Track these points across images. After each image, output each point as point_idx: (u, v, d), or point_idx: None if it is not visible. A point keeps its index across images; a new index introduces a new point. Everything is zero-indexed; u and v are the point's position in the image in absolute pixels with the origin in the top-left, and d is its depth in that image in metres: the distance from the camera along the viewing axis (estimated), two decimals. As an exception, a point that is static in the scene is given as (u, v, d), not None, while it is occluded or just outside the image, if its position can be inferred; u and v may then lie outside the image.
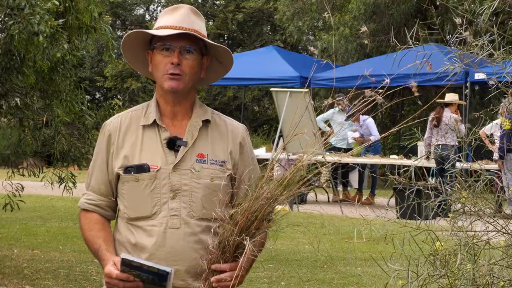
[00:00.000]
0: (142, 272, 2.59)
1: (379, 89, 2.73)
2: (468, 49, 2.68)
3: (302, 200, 14.20)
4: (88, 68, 28.20)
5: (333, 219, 11.84)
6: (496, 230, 2.67)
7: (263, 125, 25.82)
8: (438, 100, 12.90)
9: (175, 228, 2.72)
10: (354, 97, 2.73)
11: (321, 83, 17.51)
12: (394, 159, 13.84)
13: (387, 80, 2.64)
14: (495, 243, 2.75)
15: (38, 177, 7.65)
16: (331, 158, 2.82)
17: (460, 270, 2.59)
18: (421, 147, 13.89)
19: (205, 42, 2.79)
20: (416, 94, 2.71)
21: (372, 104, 2.69)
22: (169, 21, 2.78)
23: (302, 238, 9.58)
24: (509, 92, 2.80)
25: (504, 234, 2.73)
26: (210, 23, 27.92)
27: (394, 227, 2.78)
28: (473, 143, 2.84)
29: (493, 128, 12.10)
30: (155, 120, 2.80)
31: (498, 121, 11.31)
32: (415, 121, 2.84)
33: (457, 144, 11.49)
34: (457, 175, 2.78)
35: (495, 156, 12.63)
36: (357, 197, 14.35)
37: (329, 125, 15.28)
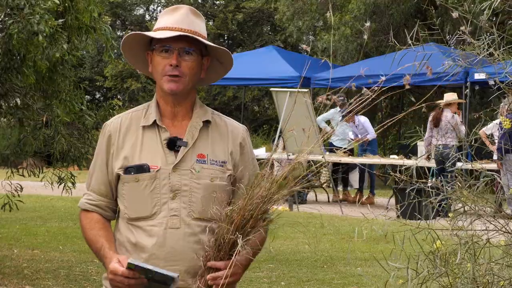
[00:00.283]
0: (147, 277, 2.59)
1: (376, 86, 2.73)
2: (468, 49, 2.68)
3: (302, 200, 14.21)
4: (88, 68, 28.19)
5: (333, 219, 11.84)
6: (497, 229, 2.67)
7: (263, 125, 25.82)
8: (438, 102, 12.91)
9: (175, 228, 2.72)
10: (351, 96, 2.73)
11: (321, 83, 17.52)
12: (394, 159, 13.84)
13: (383, 79, 2.64)
14: (495, 242, 2.75)
15: (38, 177, 7.65)
16: (331, 158, 2.82)
17: (460, 269, 2.59)
18: (421, 147, 13.89)
19: (204, 43, 2.79)
20: (408, 87, 2.70)
21: (371, 104, 2.68)
22: (168, 21, 2.78)
23: (302, 238, 9.59)
24: (510, 92, 2.80)
25: (504, 234, 2.73)
26: (210, 23, 27.91)
27: (394, 227, 2.78)
28: (473, 144, 2.84)
29: (493, 128, 12.11)
30: (155, 120, 2.80)
31: (498, 121, 11.32)
32: (416, 120, 2.84)
33: (457, 143, 11.49)
34: (457, 174, 2.78)
35: (495, 156, 12.63)
36: (357, 197, 14.34)
37: (330, 125, 15.28)
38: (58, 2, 6.33)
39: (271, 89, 15.25)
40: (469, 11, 2.75)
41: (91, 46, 7.90)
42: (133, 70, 25.04)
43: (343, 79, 17.60)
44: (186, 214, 2.73)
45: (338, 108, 14.76)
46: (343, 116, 14.49)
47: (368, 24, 2.94)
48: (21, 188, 7.59)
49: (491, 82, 2.90)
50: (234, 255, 2.62)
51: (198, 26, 2.80)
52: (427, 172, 12.26)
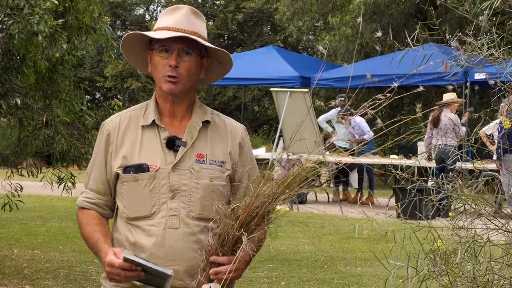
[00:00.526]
0: (143, 269, 2.60)
1: (386, 92, 2.72)
2: (469, 49, 2.69)
3: (302, 200, 14.21)
4: (88, 68, 28.19)
5: (333, 219, 11.85)
6: (497, 228, 2.67)
7: (263, 125, 25.82)
8: (437, 103, 12.92)
9: (174, 228, 2.72)
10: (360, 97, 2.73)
11: (321, 83, 17.52)
12: (394, 159, 13.84)
13: (395, 85, 2.63)
14: (496, 241, 2.75)
15: (37, 177, 7.65)
16: (333, 158, 2.82)
17: (460, 269, 2.59)
18: (421, 147, 13.90)
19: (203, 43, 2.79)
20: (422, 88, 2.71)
21: (377, 108, 2.68)
22: (168, 22, 2.78)
23: (302, 238, 9.59)
24: (510, 92, 2.80)
25: (505, 233, 2.73)
26: (210, 23, 27.91)
27: (394, 226, 2.78)
28: (474, 144, 2.84)
29: (493, 128, 12.11)
30: (154, 120, 2.80)
31: (498, 120, 11.31)
32: (414, 119, 2.84)
33: (456, 143, 11.48)
34: (457, 173, 2.78)
35: (495, 156, 12.63)
36: (358, 197, 14.35)
37: (332, 126, 15.30)
38: (57, 2, 6.33)
39: (271, 89, 15.25)
40: (469, 11, 2.75)
41: (91, 46, 7.90)
42: (133, 70, 25.04)
43: (343, 79, 17.67)
44: (185, 214, 2.73)
45: (339, 109, 14.78)
46: (341, 117, 14.53)
47: (359, 19, 2.93)
48: (21, 188, 7.59)
49: (491, 82, 2.90)
50: (239, 251, 2.62)
51: (198, 27, 2.80)
52: (428, 170, 12.24)
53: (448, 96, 12.91)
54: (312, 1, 21.10)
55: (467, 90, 15.30)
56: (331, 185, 14.96)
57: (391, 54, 14.51)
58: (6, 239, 9.50)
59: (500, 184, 3.03)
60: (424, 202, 2.78)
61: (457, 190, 2.69)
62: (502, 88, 2.79)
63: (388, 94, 2.72)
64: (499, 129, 11.01)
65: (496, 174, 2.96)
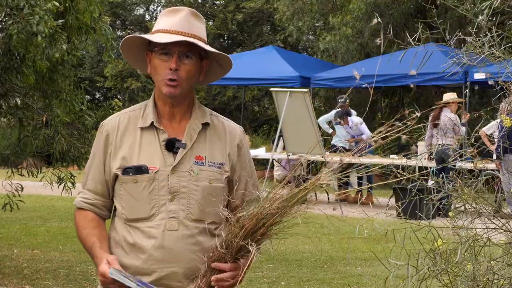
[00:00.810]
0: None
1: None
2: (470, 48, 2.68)
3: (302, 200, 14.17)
4: (88, 68, 28.18)
5: (333, 219, 11.84)
6: (497, 227, 2.67)
7: (263, 125, 25.80)
8: (437, 103, 12.92)
9: (173, 230, 2.72)
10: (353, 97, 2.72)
11: (321, 83, 17.52)
12: (394, 159, 13.83)
13: (413, 85, 2.63)
14: (496, 241, 2.75)
15: (37, 177, 7.65)
16: (331, 158, 2.81)
17: (460, 268, 2.59)
18: (421, 147, 13.89)
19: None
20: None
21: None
22: (168, 24, 2.77)
23: (302, 238, 9.58)
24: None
25: (505, 232, 2.73)
26: (210, 23, 27.89)
27: (394, 225, 2.78)
28: (474, 143, 2.84)
29: (493, 128, 12.10)
30: (152, 122, 2.80)
31: (498, 120, 11.31)
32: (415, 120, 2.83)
33: (456, 143, 11.48)
34: (457, 173, 2.78)
35: (495, 156, 12.62)
36: (358, 197, 14.34)
37: (332, 126, 15.30)
38: (58, 4, 6.33)
39: (271, 89, 15.25)
40: (469, 10, 2.75)
41: (91, 46, 7.90)
42: (133, 70, 25.03)
43: (343, 79, 17.62)
44: (184, 216, 2.73)
45: (339, 109, 14.79)
46: (340, 117, 14.54)
47: (376, 20, 2.90)
48: (22, 188, 7.59)
49: (491, 82, 2.90)
50: (247, 262, 2.61)
51: (198, 29, 2.79)
52: (428, 169, 12.23)
53: (448, 96, 12.91)
54: (312, 1, 21.10)
55: (467, 90, 15.30)
56: (332, 185, 14.93)
57: (390, 54, 14.50)
58: (6, 239, 9.50)
59: (500, 184, 3.03)
60: (424, 201, 2.78)
61: (457, 190, 2.69)
62: (504, 87, 2.79)
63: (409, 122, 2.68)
64: (500, 128, 11.01)
65: (497, 173, 2.96)
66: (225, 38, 29.10)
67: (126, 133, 2.81)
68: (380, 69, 15.17)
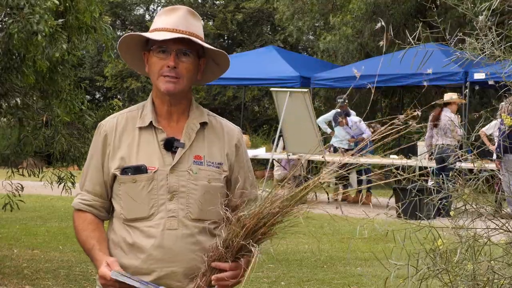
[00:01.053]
0: None
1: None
2: (471, 47, 2.68)
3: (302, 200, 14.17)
4: (88, 68, 28.20)
5: (334, 219, 11.83)
6: (497, 227, 2.67)
7: (263, 125, 25.81)
8: (437, 102, 12.91)
9: (172, 230, 2.71)
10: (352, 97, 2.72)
11: (321, 83, 17.52)
12: (394, 159, 13.83)
13: (426, 84, 2.64)
14: (496, 241, 2.75)
15: (38, 177, 7.65)
16: (333, 158, 2.81)
17: (460, 268, 2.59)
18: (421, 147, 13.90)
19: (202, 44, 2.79)
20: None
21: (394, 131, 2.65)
22: (166, 23, 2.77)
23: (302, 238, 9.58)
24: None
25: (505, 232, 2.73)
26: (210, 23, 27.91)
27: (394, 226, 2.78)
28: (474, 142, 2.84)
29: (493, 128, 12.11)
30: (151, 121, 2.80)
31: (498, 120, 11.29)
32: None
33: (456, 143, 11.49)
34: (458, 172, 2.78)
35: (495, 156, 12.62)
36: (359, 198, 14.35)
37: (331, 126, 15.30)
38: (57, 2, 6.33)
39: (271, 89, 15.25)
40: (470, 9, 2.75)
41: (91, 46, 7.90)
42: (133, 70, 25.02)
43: (343, 79, 17.62)
44: (184, 215, 2.73)
45: (338, 110, 14.79)
46: (335, 120, 14.54)
47: (380, 24, 2.90)
48: (22, 188, 7.59)
49: (491, 82, 2.90)
50: (252, 263, 2.61)
51: (195, 28, 2.79)
52: (428, 170, 12.23)
53: (449, 96, 12.91)
54: (313, 1, 21.10)
55: (467, 90, 15.31)
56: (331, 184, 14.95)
57: (391, 54, 14.52)
58: (6, 239, 9.50)
59: (500, 184, 3.03)
60: (424, 202, 2.78)
61: (458, 190, 2.68)
62: (507, 86, 2.78)
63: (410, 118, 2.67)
64: (500, 127, 11.00)
65: (496, 172, 2.95)
66: (225, 38, 29.11)
67: (124, 134, 2.80)
68: (380, 69, 15.16)
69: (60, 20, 6.53)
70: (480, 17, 2.73)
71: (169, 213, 2.72)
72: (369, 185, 4.05)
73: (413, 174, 2.72)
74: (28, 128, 7.43)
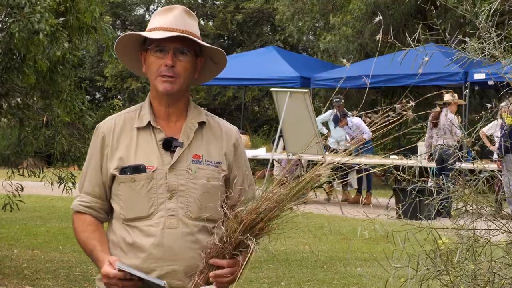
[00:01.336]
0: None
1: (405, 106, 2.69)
2: (471, 49, 2.68)
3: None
4: (88, 68, 28.20)
5: (333, 219, 11.85)
6: (498, 228, 2.67)
7: (263, 125, 25.81)
8: (437, 102, 12.92)
9: (172, 228, 2.72)
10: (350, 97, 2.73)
11: (321, 83, 17.53)
12: (394, 159, 13.83)
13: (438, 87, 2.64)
14: (497, 241, 2.75)
15: (38, 177, 7.65)
16: (333, 159, 2.81)
17: (461, 268, 2.59)
18: (421, 148, 13.90)
19: (198, 43, 2.79)
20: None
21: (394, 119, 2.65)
22: (162, 22, 2.78)
23: (302, 238, 9.58)
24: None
25: (505, 233, 2.73)
26: (210, 23, 27.90)
27: (395, 226, 2.78)
28: (474, 142, 2.84)
29: (493, 128, 12.11)
30: (149, 121, 2.80)
31: (499, 120, 11.29)
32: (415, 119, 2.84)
33: (456, 143, 11.48)
34: (458, 173, 2.78)
35: (495, 156, 12.62)
36: (360, 198, 14.35)
37: (327, 127, 15.30)
38: (57, 0, 6.33)
39: (271, 89, 15.26)
40: (469, 11, 2.75)
41: (91, 46, 7.91)
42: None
43: (343, 80, 17.54)
44: (183, 214, 2.73)
45: (334, 110, 14.81)
46: (335, 121, 14.53)
47: (378, 18, 2.89)
48: (22, 188, 7.59)
49: (491, 83, 2.91)
50: (248, 257, 2.62)
51: (192, 27, 2.80)
52: (428, 170, 12.23)
53: (449, 97, 12.91)
54: (313, 1, 21.11)
55: (467, 90, 15.31)
56: (335, 185, 14.95)
57: (391, 54, 14.51)
58: (6, 239, 9.50)
59: (501, 184, 3.03)
60: (425, 202, 2.78)
61: (458, 190, 2.69)
62: (508, 86, 2.78)
63: (404, 107, 2.68)
64: (501, 127, 11.00)
65: (496, 172, 2.96)
66: (225, 38, 29.10)
67: (122, 134, 2.81)
68: (381, 70, 15.18)
69: (61, 19, 6.54)
70: (480, 18, 2.73)
71: (169, 212, 2.72)
72: (364, 186, 4.03)
73: (412, 177, 2.72)
74: (28, 129, 7.43)
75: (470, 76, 14.75)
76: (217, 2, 29.13)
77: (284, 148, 15.11)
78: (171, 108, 2.81)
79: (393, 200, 12.81)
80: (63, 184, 7.57)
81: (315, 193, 15.07)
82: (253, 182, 2.93)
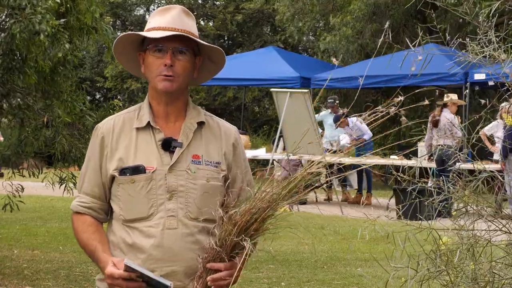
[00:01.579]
0: (143, 280, 2.60)
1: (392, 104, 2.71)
2: (473, 48, 2.69)
3: (302, 201, 14.20)
4: (88, 68, 28.21)
5: (333, 220, 11.85)
6: (498, 229, 2.67)
7: (263, 126, 25.81)
8: (437, 102, 12.92)
9: (172, 229, 2.72)
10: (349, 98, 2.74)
11: (321, 83, 17.53)
12: (394, 159, 13.82)
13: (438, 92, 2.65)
14: (497, 242, 2.75)
15: (38, 177, 7.66)
16: (334, 159, 2.82)
17: (461, 269, 2.60)
18: (421, 148, 13.91)
19: (197, 42, 2.80)
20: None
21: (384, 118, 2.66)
22: (160, 22, 2.78)
23: (302, 238, 9.59)
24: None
25: (506, 233, 2.73)
26: (210, 23, 27.91)
27: (395, 227, 2.78)
28: (474, 142, 2.85)
29: (493, 129, 12.11)
30: (148, 122, 2.80)
31: (498, 121, 11.30)
32: (415, 119, 2.85)
33: (456, 144, 11.49)
34: (458, 174, 2.78)
35: (495, 156, 12.63)
36: (360, 198, 14.35)
37: (322, 127, 15.31)
38: (58, 1, 6.34)
39: (271, 89, 15.26)
40: (469, 13, 2.76)
41: (92, 47, 7.91)
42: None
43: (343, 80, 17.62)
44: (183, 215, 2.73)
45: (328, 110, 14.83)
46: (335, 121, 14.53)
47: (387, 24, 2.89)
48: (22, 189, 7.60)
49: (491, 83, 2.91)
50: (244, 259, 2.61)
51: (190, 26, 2.80)
52: (428, 171, 12.22)
53: (448, 97, 12.92)
54: (313, 1, 21.11)
55: (467, 90, 15.31)
56: (335, 185, 14.95)
57: (391, 54, 14.51)
58: (6, 239, 9.50)
59: (502, 184, 3.03)
60: (425, 203, 2.79)
61: (458, 191, 2.69)
62: (508, 86, 2.79)
63: (393, 103, 2.70)
64: (504, 128, 11.01)
65: (497, 173, 2.96)
66: (225, 38, 29.10)
67: (121, 135, 2.81)
68: (381, 70, 15.17)
69: (62, 20, 6.54)
70: (480, 18, 2.74)
71: (169, 213, 2.72)
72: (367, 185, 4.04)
73: (412, 177, 2.73)
74: (29, 129, 7.43)
75: (470, 76, 14.75)
76: (217, 3, 29.12)
77: (284, 149, 15.12)
78: (170, 107, 2.81)
79: (393, 200, 12.82)
80: (63, 185, 7.57)
81: (315, 194, 15.10)
82: (253, 181, 2.93)
